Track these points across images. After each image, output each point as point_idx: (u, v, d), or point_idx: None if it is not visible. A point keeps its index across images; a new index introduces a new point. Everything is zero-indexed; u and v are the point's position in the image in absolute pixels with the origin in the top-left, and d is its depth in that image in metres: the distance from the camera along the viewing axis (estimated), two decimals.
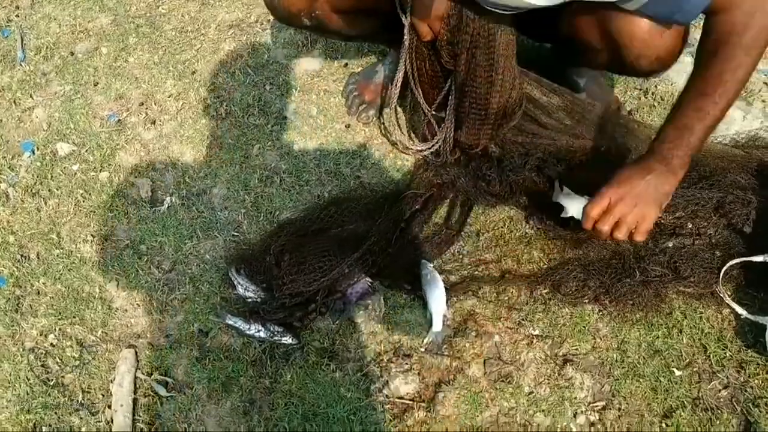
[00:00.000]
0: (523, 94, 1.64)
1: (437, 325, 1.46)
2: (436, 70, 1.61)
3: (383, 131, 1.88)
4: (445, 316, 1.48)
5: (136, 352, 1.55)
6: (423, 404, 1.41)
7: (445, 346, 1.48)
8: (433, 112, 1.68)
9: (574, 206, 1.45)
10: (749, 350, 1.40)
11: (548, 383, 1.41)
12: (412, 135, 1.80)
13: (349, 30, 1.64)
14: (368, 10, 1.59)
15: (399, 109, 1.82)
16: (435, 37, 1.50)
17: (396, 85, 1.67)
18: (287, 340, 1.50)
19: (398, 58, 1.85)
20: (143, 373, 1.52)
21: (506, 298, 1.52)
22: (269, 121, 1.92)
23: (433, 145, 1.72)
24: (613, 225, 1.34)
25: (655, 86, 1.91)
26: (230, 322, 1.53)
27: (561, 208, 1.49)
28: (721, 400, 1.36)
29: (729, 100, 1.28)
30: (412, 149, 1.78)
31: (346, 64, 2.05)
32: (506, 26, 1.44)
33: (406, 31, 1.53)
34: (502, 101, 1.58)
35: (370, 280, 1.56)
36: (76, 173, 1.87)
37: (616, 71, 1.69)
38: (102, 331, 1.58)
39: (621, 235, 1.34)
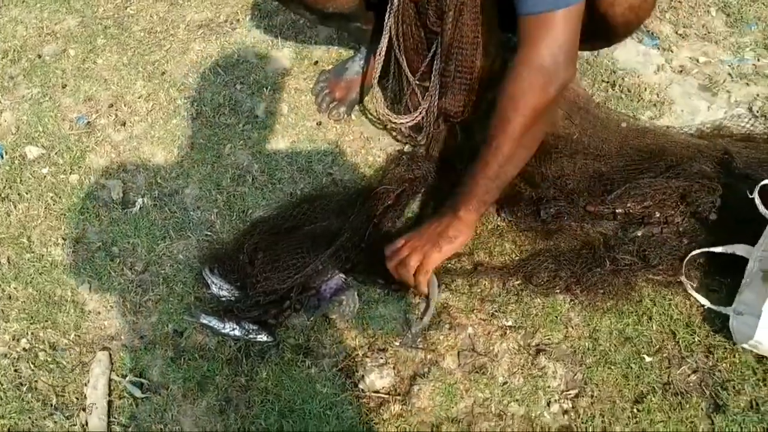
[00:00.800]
0: (506, 65, 1.66)
1: (427, 319, 1.47)
2: (421, 35, 1.62)
3: (364, 110, 1.91)
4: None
5: (110, 354, 1.54)
6: (398, 398, 1.42)
7: (420, 339, 1.49)
8: (417, 82, 1.69)
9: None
10: (717, 335, 1.43)
11: (522, 373, 1.43)
12: (395, 108, 1.80)
13: (324, 4, 1.63)
14: None
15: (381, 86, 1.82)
16: None
17: (380, 53, 1.67)
18: (262, 337, 1.50)
19: (368, 55, 1.88)
20: (118, 375, 1.51)
21: (479, 290, 1.54)
22: (240, 121, 1.92)
23: (417, 116, 1.73)
24: (398, 263, 1.44)
25: (622, 79, 1.94)
26: (205, 322, 1.53)
27: None
28: (691, 384, 1.39)
29: (504, 156, 1.38)
30: (395, 122, 1.77)
31: (317, 62, 2.05)
32: None
33: None
34: (487, 66, 1.60)
35: (344, 276, 1.56)
36: (45, 176, 1.85)
37: (589, 38, 1.67)
38: (75, 334, 1.57)
39: (402, 274, 1.43)
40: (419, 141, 1.78)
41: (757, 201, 1.36)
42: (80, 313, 1.61)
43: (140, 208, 1.77)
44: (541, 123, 1.38)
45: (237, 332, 1.50)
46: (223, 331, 1.51)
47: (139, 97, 2.01)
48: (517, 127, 1.34)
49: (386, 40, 1.64)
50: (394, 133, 1.84)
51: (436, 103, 1.68)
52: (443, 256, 1.42)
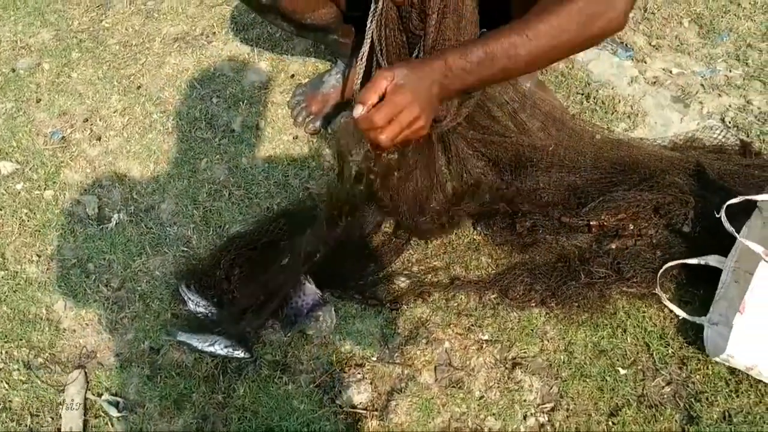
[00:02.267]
0: None
1: None
2: (404, 39, 1.62)
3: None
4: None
5: (85, 373, 1.53)
6: (376, 413, 1.42)
7: (396, 354, 1.49)
8: None
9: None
10: (690, 347, 1.44)
11: (498, 387, 1.43)
12: None
13: (303, 15, 1.64)
14: None
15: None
16: (404, 1, 1.51)
17: (362, 58, 1.68)
18: (239, 354, 1.50)
19: (344, 70, 1.88)
20: (93, 394, 1.50)
21: (455, 304, 1.54)
22: (217, 135, 1.92)
23: None
24: (386, 119, 1.16)
25: (597, 91, 1.95)
26: (182, 339, 1.52)
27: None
28: (665, 396, 1.40)
29: (534, 54, 1.24)
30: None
31: (293, 76, 2.05)
32: None
33: None
34: None
35: (320, 292, 1.56)
36: (20, 192, 1.84)
37: None
38: (50, 353, 1.56)
39: (390, 134, 1.16)
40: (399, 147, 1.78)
41: (724, 220, 1.37)
42: (55, 331, 1.60)
43: (116, 223, 1.76)
44: (583, 48, 1.31)
45: (214, 349, 1.50)
46: (200, 348, 1.51)
47: (114, 112, 2.00)
48: (572, 39, 1.25)
49: (368, 45, 1.65)
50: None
51: None
52: (425, 131, 1.24)
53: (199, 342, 1.51)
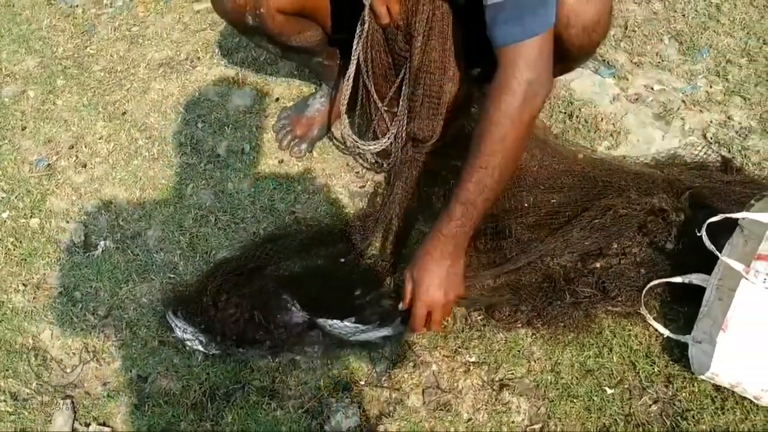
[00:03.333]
0: (471, 92, 1.70)
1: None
2: (389, 60, 1.64)
3: (326, 147, 1.92)
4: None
5: (73, 403, 1.52)
6: None
7: (384, 378, 1.49)
8: (385, 107, 1.71)
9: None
10: (676, 365, 1.45)
11: (486, 409, 1.44)
12: (362, 136, 1.81)
13: (288, 37, 1.66)
14: (311, 16, 1.64)
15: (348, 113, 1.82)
16: (390, 22, 1.55)
17: (348, 79, 1.69)
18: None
19: (329, 92, 1.90)
20: (81, 424, 1.49)
21: (442, 326, 1.54)
22: (202, 160, 1.92)
23: (386, 142, 1.73)
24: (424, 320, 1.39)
25: (579, 109, 1.97)
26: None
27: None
28: (652, 414, 1.40)
29: (503, 173, 1.36)
30: (364, 149, 1.77)
31: (278, 99, 2.06)
32: (457, 14, 1.54)
33: (365, 12, 1.55)
34: (454, 90, 1.63)
35: (308, 315, 1.56)
36: (5, 221, 1.84)
37: None
38: (37, 383, 1.55)
39: (437, 328, 1.42)
40: (385, 168, 1.79)
41: (705, 239, 1.39)
42: (42, 361, 1.59)
43: (102, 251, 1.76)
44: (529, 138, 1.43)
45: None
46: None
47: (99, 138, 2.00)
48: (515, 142, 1.34)
49: (354, 67, 1.66)
50: (360, 161, 1.85)
51: (404, 129, 1.70)
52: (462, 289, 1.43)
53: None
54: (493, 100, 1.34)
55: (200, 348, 1.53)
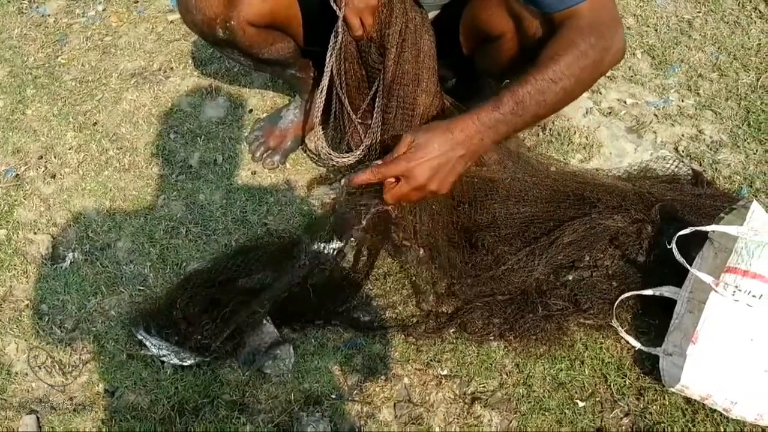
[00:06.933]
0: (445, 105, 1.69)
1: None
2: (363, 73, 1.64)
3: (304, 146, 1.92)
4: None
5: (37, 418, 1.49)
6: None
7: (355, 392, 1.48)
8: (359, 120, 1.70)
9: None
10: (647, 377, 1.45)
11: (458, 422, 1.43)
12: (336, 148, 1.80)
13: (260, 49, 1.65)
14: (283, 28, 1.64)
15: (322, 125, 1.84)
16: (364, 35, 1.55)
17: (321, 91, 1.68)
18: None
19: (303, 104, 1.89)
20: None
21: (414, 339, 1.54)
22: (174, 171, 1.90)
23: (359, 153, 1.73)
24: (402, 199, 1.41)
25: (553, 122, 1.98)
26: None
27: None
28: (623, 427, 1.40)
29: (566, 92, 1.33)
30: (337, 161, 1.76)
31: (251, 110, 2.05)
32: (429, 26, 1.56)
33: (339, 24, 1.55)
34: (428, 102, 1.63)
35: (276, 332, 1.54)
36: None
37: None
38: (1, 398, 1.52)
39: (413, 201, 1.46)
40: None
41: (675, 251, 1.39)
42: (6, 375, 1.56)
43: (70, 263, 1.73)
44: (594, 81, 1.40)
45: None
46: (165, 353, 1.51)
47: (69, 149, 1.98)
48: (588, 76, 1.34)
49: (327, 79, 1.65)
50: (333, 174, 1.85)
51: (378, 141, 1.70)
52: (456, 179, 1.41)
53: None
54: (582, 33, 1.30)
55: (176, 361, 1.51)
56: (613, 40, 1.33)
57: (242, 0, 1.52)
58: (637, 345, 1.48)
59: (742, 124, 1.96)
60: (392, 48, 1.56)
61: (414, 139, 1.36)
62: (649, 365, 1.47)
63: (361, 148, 1.72)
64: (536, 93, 1.31)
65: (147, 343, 1.53)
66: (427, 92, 1.62)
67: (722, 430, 1.37)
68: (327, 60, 1.63)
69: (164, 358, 1.52)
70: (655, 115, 2.02)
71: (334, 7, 1.52)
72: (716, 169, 1.85)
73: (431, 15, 1.65)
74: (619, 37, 1.34)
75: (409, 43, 1.56)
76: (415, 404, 1.46)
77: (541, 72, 1.31)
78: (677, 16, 2.31)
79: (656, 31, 2.27)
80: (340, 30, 1.55)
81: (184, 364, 1.50)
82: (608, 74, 2.13)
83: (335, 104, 1.72)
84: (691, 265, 1.43)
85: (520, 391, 1.46)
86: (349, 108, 1.69)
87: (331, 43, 1.60)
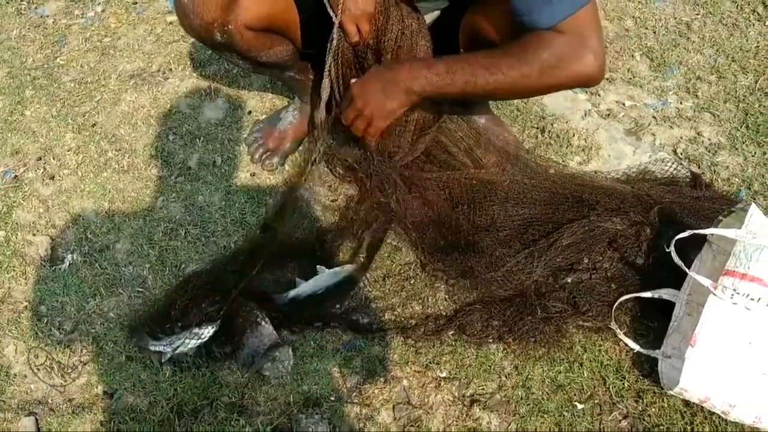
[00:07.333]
0: (439, 109, 1.71)
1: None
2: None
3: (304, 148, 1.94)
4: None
5: (36, 420, 1.49)
6: None
7: (354, 394, 1.48)
8: None
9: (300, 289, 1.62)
10: (646, 380, 1.46)
11: (457, 424, 1.43)
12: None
13: (258, 53, 1.65)
14: (281, 32, 1.64)
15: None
16: (360, 41, 1.56)
17: (322, 93, 1.68)
18: (209, 329, 1.52)
19: (302, 106, 1.89)
20: None
21: (413, 341, 1.54)
22: (173, 172, 1.90)
23: (357, 154, 1.75)
24: (354, 116, 1.56)
25: (551, 124, 1.98)
26: (154, 348, 1.52)
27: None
28: (622, 430, 1.41)
29: (495, 88, 1.39)
30: (339, 155, 1.79)
31: (250, 112, 2.05)
32: (426, 33, 1.57)
33: (335, 31, 1.55)
34: (423, 107, 1.64)
35: (275, 334, 1.54)
36: None
37: None
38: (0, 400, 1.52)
39: (356, 132, 1.59)
40: (354, 180, 1.79)
41: (673, 254, 1.40)
42: (5, 377, 1.55)
43: (69, 264, 1.73)
44: (545, 89, 1.46)
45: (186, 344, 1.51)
46: (177, 349, 1.51)
47: (68, 150, 1.98)
48: (525, 82, 1.37)
49: (327, 81, 1.66)
50: (336, 169, 1.85)
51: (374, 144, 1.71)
52: (384, 126, 1.57)
53: (173, 344, 1.51)
54: (543, 47, 1.33)
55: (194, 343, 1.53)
56: (573, 66, 1.34)
57: (240, 4, 1.52)
58: (636, 347, 1.49)
59: (741, 127, 1.97)
60: (388, 54, 1.56)
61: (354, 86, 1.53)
62: (647, 368, 1.47)
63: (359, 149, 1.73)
64: (469, 72, 1.39)
65: (160, 349, 1.53)
66: None
67: None
68: (326, 64, 1.63)
69: (180, 348, 1.52)
70: (654, 117, 2.02)
71: (331, 14, 1.52)
72: (715, 171, 1.85)
73: (431, 17, 1.65)
74: (585, 63, 1.34)
75: (405, 49, 1.57)
76: (414, 406, 1.46)
77: (485, 58, 1.39)
78: (676, 19, 2.32)
79: (655, 33, 2.27)
80: (335, 36, 1.56)
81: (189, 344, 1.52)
82: (607, 76, 2.13)
83: (335, 109, 1.72)
84: (689, 268, 1.43)
85: (519, 393, 1.46)
86: None
87: (328, 48, 1.60)
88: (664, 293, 1.50)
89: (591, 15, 1.32)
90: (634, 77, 2.14)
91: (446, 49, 1.63)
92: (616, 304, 1.51)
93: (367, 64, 1.60)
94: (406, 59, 1.54)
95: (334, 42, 1.57)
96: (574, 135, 1.95)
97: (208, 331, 1.50)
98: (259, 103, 2.08)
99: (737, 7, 2.35)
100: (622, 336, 1.50)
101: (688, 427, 1.38)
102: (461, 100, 1.61)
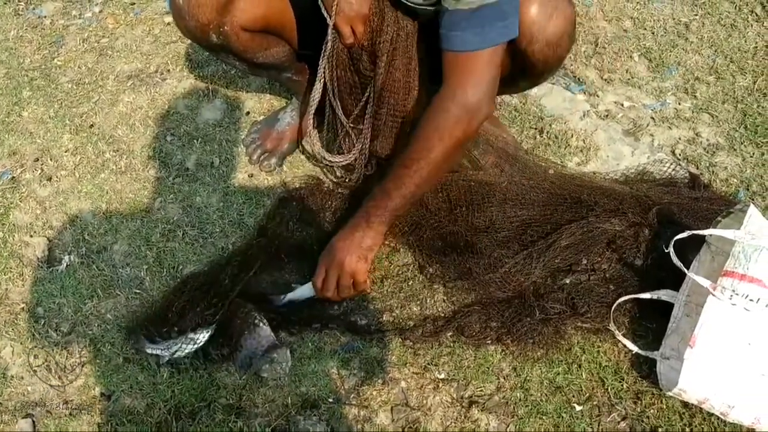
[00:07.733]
0: None
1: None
2: (355, 80, 1.64)
3: (301, 148, 1.94)
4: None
5: (33, 422, 1.48)
6: None
7: (352, 395, 1.47)
8: (351, 125, 1.72)
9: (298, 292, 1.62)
10: (644, 381, 1.45)
11: (455, 426, 1.42)
12: (330, 148, 1.82)
13: (254, 54, 1.65)
14: (277, 33, 1.64)
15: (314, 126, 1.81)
16: (355, 42, 1.55)
17: (314, 95, 1.68)
18: (205, 334, 1.51)
19: (300, 106, 1.89)
20: None
21: (411, 343, 1.53)
22: (171, 174, 1.90)
23: (350, 157, 1.75)
24: (334, 289, 1.54)
25: (550, 125, 1.98)
26: (152, 351, 1.51)
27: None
28: (620, 431, 1.40)
29: (423, 178, 1.50)
30: (330, 161, 1.79)
31: (248, 113, 2.05)
32: (421, 34, 1.56)
33: (329, 32, 1.55)
34: (418, 110, 1.63)
35: (273, 336, 1.54)
36: None
37: (512, 79, 1.64)
38: None
39: (345, 294, 1.55)
40: (351, 182, 1.79)
41: (672, 255, 1.39)
42: (2, 379, 1.55)
43: (66, 266, 1.72)
44: (460, 152, 1.58)
45: (185, 346, 1.50)
46: (174, 348, 1.50)
47: (66, 151, 1.97)
48: (440, 155, 1.48)
49: (321, 84, 1.66)
50: (329, 175, 1.86)
51: (368, 145, 1.70)
52: (368, 265, 1.55)
53: (169, 349, 1.51)
54: (433, 109, 1.46)
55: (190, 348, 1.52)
56: (459, 133, 1.48)
57: (235, 5, 1.52)
58: (635, 349, 1.48)
59: (739, 127, 1.97)
60: (383, 56, 1.56)
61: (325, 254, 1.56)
62: (646, 369, 1.47)
63: (353, 152, 1.73)
64: (394, 182, 1.51)
65: (159, 354, 1.53)
66: (419, 98, 1.62)
67: None
68: (320, 66, 1.63)
69: (178, 353, 1.52)
70: (652, 118, 2.02)
71: (325, 15, 1.52)
72: (713, 172, 1.85)
73: (427, 18, 1.65)
74: (469, 126, 1.48)
75: (400, 51, 1.56)
76: (412, 408, 1.45)
77: (398, 161, 1.52)
78: (674, 19, 2.32)
79: (653, 33, 2.27)
80: (330, 38, 1.56)
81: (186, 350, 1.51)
82: (605, 77, 2.14)
83: (328, 109, 1.72)
84: (688, 269, 1.43)
85: (518, 394, 1.45)
86: (341, 114, 1.70)
87: (323, 50, 1.60)
88: (663, 294, 1.50)
89: (486, 59, 1.41)
90: (632, 78, 2.14)
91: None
92: (615, 305, 1.51)
93: (362, 66, 1.60)
94: (359, 214, 1.56)
95: (329, 44, 1.57)
96: (572, 136, 1.95)
97: (203, 336, 1.50)
98: (257, 104, 2.08)
99: (735, 8, 2.35)
100: (620, 337, 1.50)
101: (687, 428, 1.38)
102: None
